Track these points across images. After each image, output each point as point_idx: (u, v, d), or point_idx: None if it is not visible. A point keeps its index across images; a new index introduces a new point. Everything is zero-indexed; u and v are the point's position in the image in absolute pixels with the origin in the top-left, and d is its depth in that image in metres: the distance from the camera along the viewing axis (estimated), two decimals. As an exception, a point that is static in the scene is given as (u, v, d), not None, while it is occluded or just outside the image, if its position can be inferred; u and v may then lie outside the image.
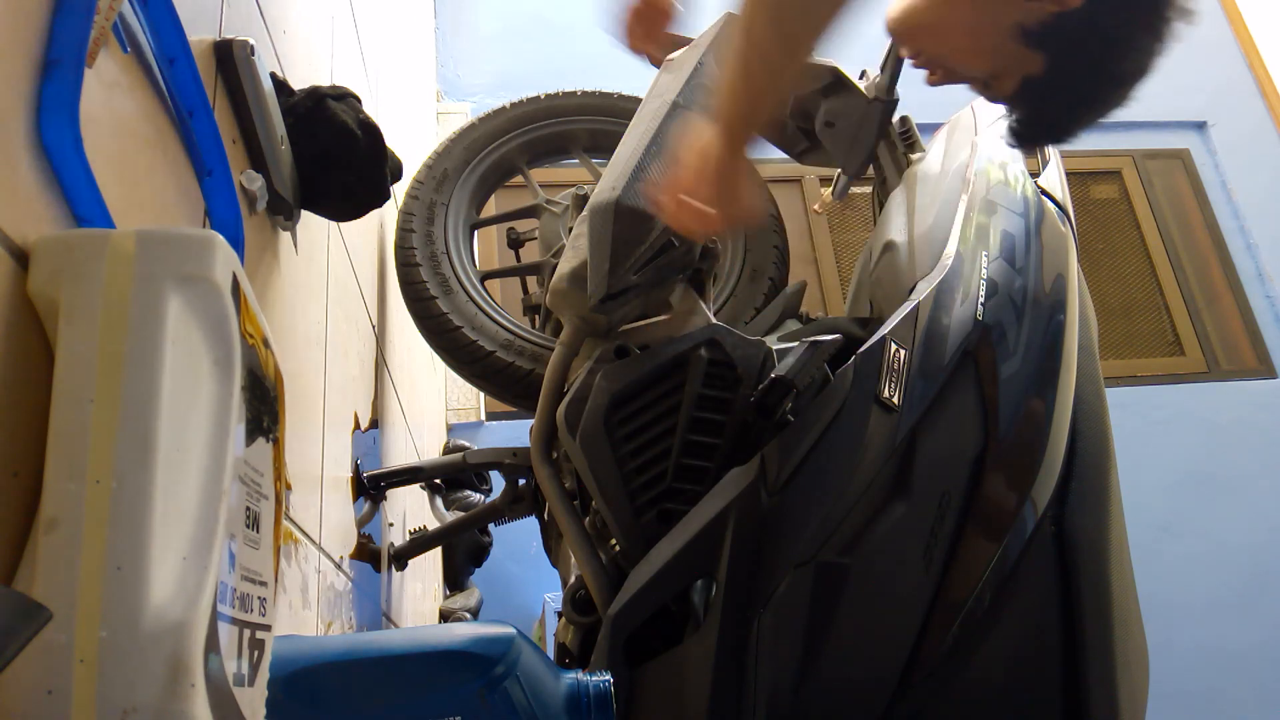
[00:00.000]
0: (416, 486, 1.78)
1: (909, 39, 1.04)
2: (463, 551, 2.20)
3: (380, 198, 1.01)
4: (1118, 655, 0.96)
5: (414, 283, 1.46)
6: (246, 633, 0.47)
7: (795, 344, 1.00)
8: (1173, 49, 0.97)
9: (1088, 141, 1.03)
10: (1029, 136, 1.04)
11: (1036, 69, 0.94)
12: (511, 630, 0.66)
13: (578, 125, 1.69)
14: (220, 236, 0.46)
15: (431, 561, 2.11)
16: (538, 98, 1.69)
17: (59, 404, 0.40)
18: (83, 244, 0.43)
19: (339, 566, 1.14)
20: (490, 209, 1.73)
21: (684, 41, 1.44)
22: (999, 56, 0.95)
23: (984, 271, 1.08)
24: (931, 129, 1.39)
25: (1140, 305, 3.53)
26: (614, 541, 0.96)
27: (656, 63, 1.31)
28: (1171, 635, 2.55)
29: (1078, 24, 0.91)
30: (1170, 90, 2.79)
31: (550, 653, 1.22)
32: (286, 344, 0.93)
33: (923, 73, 1.04)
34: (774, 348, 1.03)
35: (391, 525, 1.58)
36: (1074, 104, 0.99)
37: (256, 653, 0.48)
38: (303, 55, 1.10)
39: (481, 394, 2.92)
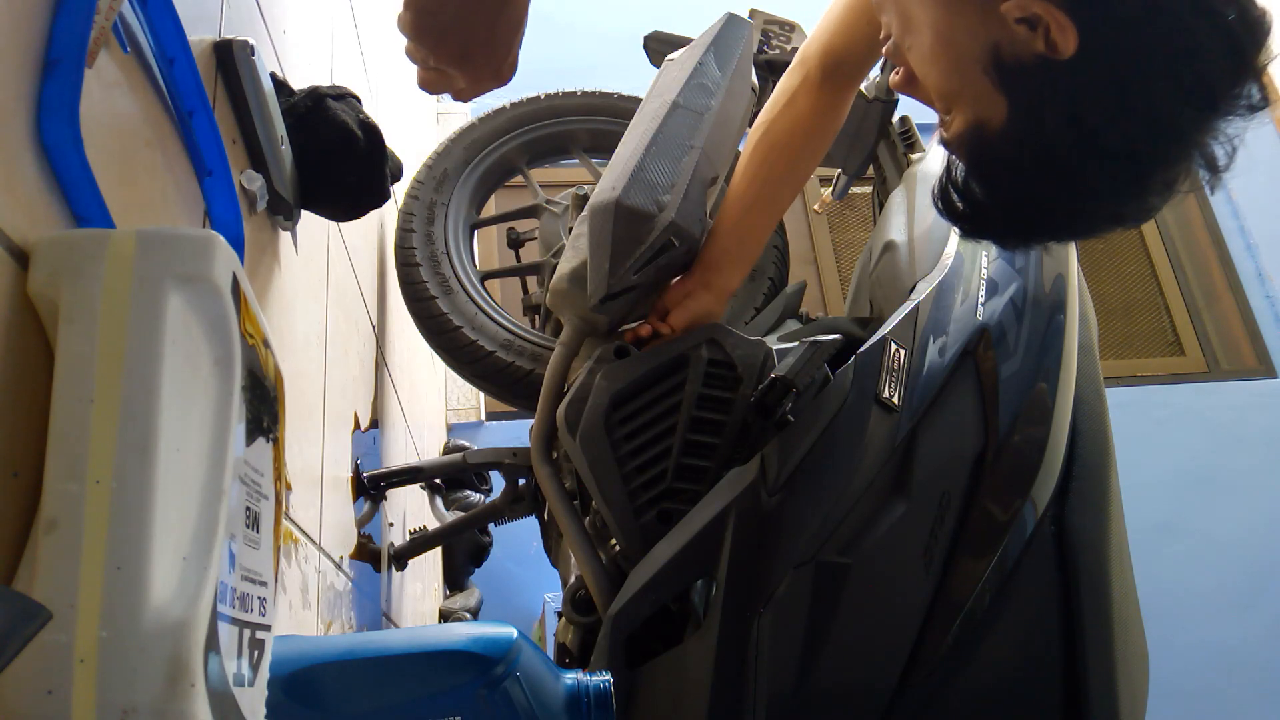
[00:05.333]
0: (416, 486, 1.78)
1: (881, 6, 0.83)
2: (463, 551, 2.20)
3: (380, 198, 1.01)
4: (1118, 655, 0.96)
5: (414, 283, 1.46)
6: (246, 633, 0.47)
7: (795, 344, 1.00)
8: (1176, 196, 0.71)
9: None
10: (951, 208, 0.79)
11: (995, 117, 0.72)
12: (511, 630, 0.66)
13: (578, 125, 1.69)
14: (220, 236, 0.46)
15: (431, 561, 2.11)
16: (538, 98, 1.70)
17: (59, 404, 0.40)
18: (83, 244, 0.43)
19: (339, 566, 1.14)
20: (490, 209, 1.73)
21: (684, 41, 1.44)
22: (958, 79, 0.73)
23: (984, 271, 1.08)
24: (931, 129, 1.39)
25: (1140, 305, 3.52)
26: (614, 541, 0.96)
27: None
28: (1171, 635, 2.55)
29: (1059, 84, 0.68)
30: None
31: (550, 653, 1.22)
32: (286, 344, 0.93)
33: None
34: (774, 348, 1.03)
35: (391, 525, 1.58)
36: (1016, 188, 0.74)
37: (256, 653, 0.48)
38: (303, 55, 1.10)
39: (481, 394, 2.92)
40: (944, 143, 0.78)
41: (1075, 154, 0.69)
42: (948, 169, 0.79)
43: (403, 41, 0.67)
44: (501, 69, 0.67)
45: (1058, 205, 0.75)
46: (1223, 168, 0.69)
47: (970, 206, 0.77)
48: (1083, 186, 0.72)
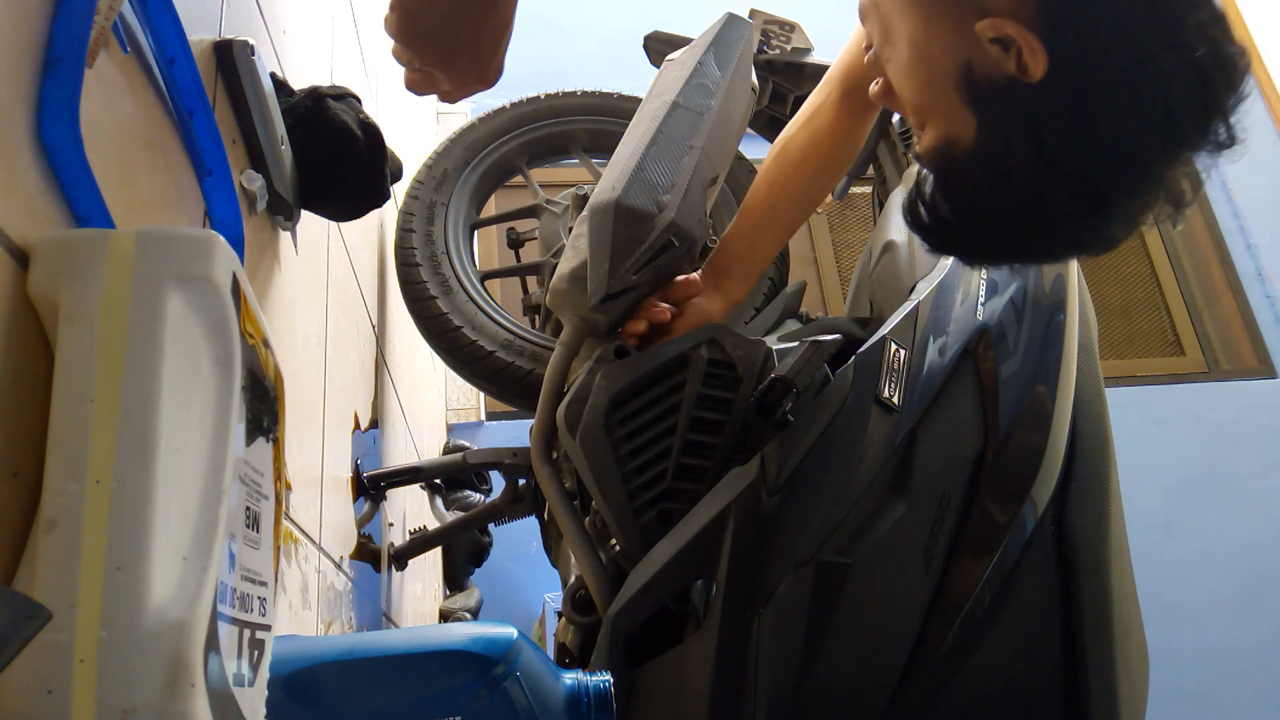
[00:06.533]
0: (416, 486, 1.78)
1: (864, 15, 0.83)
2: (463, 551, 2.20)
3: (380, 198, 1.01)
4: (1118, 655, 0.96)
5: (414, 283, 1.46)
6: (246, 633, 0.47)
7: (795, 344, 1.00)
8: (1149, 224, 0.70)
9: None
10: (918, 222, 0.78)
11: (964, 135, 0.72)
12: (511, 630, 0.66)
13: (578, 125, 1.69)
14: (220, 236, 0.46)
15: (431, 561, 2.11)
16: (538, 98, 1.70)
17: (59, 404, 0.40)
18: (83, 244, 0.43)
19: (339, 566, 1.14)
20: (490, 209, 1.73)
21: (684, 41, 1.44)
22: (931, 94, 0.74)
23: (984, 271, 1.08)
24: (931, 129, 1.38)
25: (1140, 305, 3.52)
26: (614, 541, 0.96)
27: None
28: (1171, 635, 2.55)
29: (1027, 106, 0.68)
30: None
31: (550, 653, 1.22)
32: (286, 344, 0.93)
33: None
34: (774, 348, 1.03)
35: (391, 525, 1.58)
36: (980, 207, 0.74)
37: (256, 653, 0.48)
38: (303, 55, 1.10)
39: (481, 394, 2.92)
40: (916, 157, 0.78)
41: (1038, 177, 0.69)
42: (918, 183, 0.79)
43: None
44: (487, 72, 0.67)
45: (1019, 227, 0.74)
46: (1188, 203, 0.69)
47: (936, 222, 0.77)
48: (1044, 210, 0.71)
